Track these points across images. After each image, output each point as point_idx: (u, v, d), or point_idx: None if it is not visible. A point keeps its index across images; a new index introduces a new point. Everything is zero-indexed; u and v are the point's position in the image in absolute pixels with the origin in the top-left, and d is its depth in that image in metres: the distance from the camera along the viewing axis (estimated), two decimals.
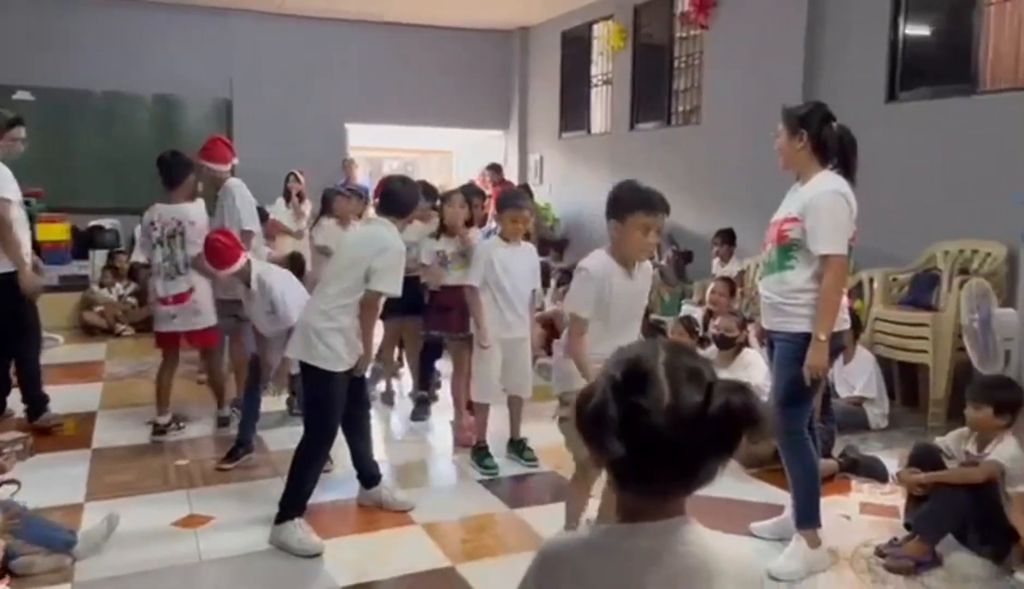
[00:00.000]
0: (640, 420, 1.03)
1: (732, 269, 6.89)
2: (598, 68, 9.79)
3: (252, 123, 9.75)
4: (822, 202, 2.99)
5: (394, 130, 11.47)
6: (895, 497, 3.75)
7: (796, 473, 3.18)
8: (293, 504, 3.30)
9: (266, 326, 4.00)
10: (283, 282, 4.02)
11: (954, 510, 3.19)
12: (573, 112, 10.26)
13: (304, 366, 3.35)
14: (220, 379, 4.86)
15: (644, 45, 8.90)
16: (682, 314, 6.24)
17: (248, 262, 3.98)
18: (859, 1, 6.22)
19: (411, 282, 4.02)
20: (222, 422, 4.79)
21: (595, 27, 9.78)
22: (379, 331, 4.64)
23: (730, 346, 4.67)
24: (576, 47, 10.17)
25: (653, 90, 8.74)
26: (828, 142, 3.05)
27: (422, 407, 5.14)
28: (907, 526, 3.36)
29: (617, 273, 2.98)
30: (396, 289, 3.37)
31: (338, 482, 3.89)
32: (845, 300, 3.14)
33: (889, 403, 5.01)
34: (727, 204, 7.43)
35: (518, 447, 4.34)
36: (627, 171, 8.93)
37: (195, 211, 4.62)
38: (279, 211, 7.17)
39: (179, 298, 4.53)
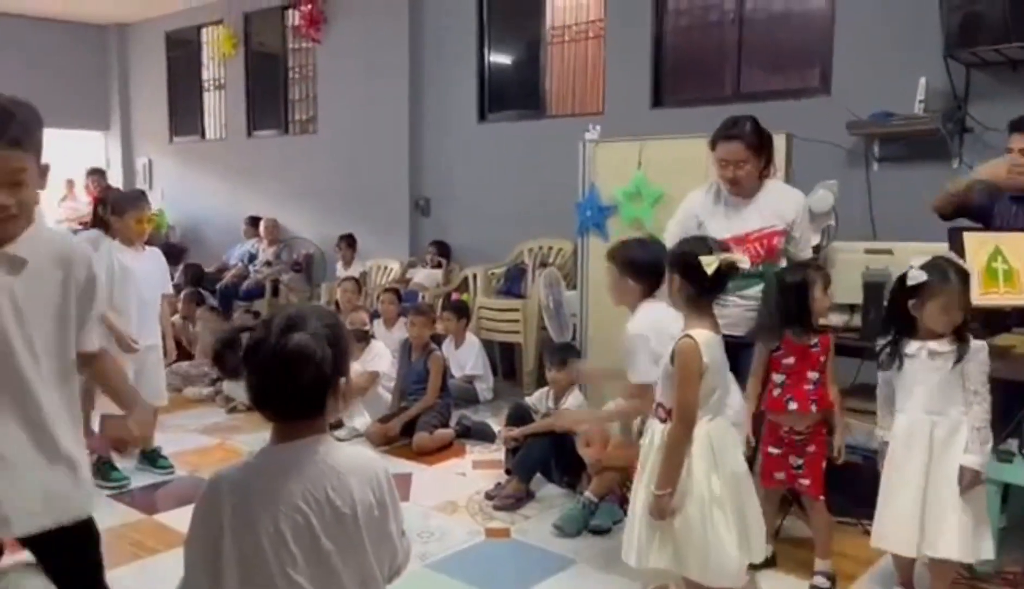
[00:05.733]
0: (251, 355, 1.37)
1: (356, 270, 7.35)
2: (210, 73, 9.58)
3: None
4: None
5: None
6: (500, 453, 4.43)
7: None
8: None
9: None
10: None
11: (540, 453, 3.96)
12: (185, 116, 9.89)
13: None
14: None
15: (257, 53, 8.96)
16: None
17: None
18: (451, 32, 7.09)
19: None
20: None
21: (204, 31, 9.55)
22: None
23: (363, 339, 5.10)
24: (183, 49, 9.82)
25: (269, 98, 8.85)
26: None
27: None
28: (507, 472, 4.08)
29: None
30: None
31: None
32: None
33: (493, 378, 5.86)
34: (346, 210, 7.87)
35: (151, 457, 4.24)
36: (246, 177, 8.98)
37: None
38: None
39: None
